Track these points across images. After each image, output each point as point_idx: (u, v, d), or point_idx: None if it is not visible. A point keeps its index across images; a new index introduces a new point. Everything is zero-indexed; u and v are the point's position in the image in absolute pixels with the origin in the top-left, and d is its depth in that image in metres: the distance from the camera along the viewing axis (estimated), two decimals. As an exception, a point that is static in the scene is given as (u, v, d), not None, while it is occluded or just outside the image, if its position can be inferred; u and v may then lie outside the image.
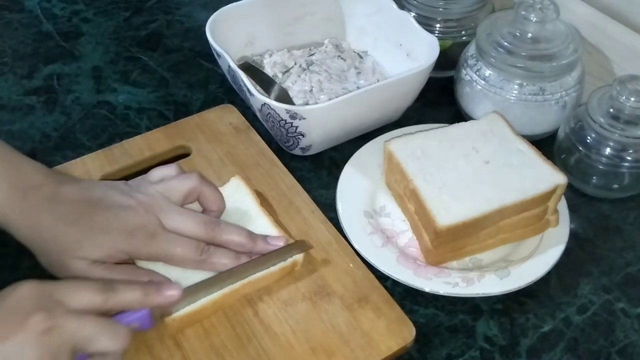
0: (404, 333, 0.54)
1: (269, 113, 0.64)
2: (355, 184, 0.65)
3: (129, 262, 0.54)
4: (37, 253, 0.53)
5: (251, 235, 0.56)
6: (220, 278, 0.53)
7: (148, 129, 0.71)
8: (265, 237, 0.57)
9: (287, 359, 0.52)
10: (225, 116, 0.72)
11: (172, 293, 0.50)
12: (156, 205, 0.54)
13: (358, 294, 0.56)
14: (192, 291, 0.52)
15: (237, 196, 0.61)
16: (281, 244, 0.56)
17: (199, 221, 0.54)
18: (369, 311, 0.55)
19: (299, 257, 0.56)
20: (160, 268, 0.54)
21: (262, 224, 0.59)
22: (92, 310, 0.46)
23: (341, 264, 0.58)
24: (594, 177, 0.66)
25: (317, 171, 0.69)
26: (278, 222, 0.60)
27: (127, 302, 0.48)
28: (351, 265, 0.58)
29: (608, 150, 0.64)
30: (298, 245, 0.57)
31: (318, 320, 0.54)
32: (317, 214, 0.62)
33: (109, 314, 0.48)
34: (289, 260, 0.55)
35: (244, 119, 0.72)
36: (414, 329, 0.54)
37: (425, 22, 0.75)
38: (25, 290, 0.45)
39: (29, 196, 0.52)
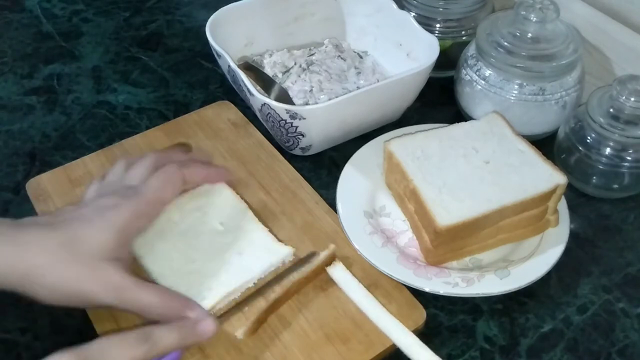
0: (415, 316, 0.55)
1: (269, 113, 0.64)
2: (355, 184, 0.65)
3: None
4: (43, 279, 0.48)
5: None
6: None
7: (148, 129, 0.71)
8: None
9: (303, 347, 0.52)
10: (223, 113, 0.73)
11: (209, 329, 0.49)
12: (118, 185, 0.55)
13: (367, 280, 0.57)
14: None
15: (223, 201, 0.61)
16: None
17: (150, 160, 0.57)
18: (379, 296, 0.55)
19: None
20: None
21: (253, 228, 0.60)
22: None
23: (348, 252, 0.59)
24: (594, 177, 0.66)
25: (317, 171, 0.69)
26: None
27: (167, 349, 0.47)
28: (359, 252, 0.59)
29: (608, 150, 0.64)
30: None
31: (331, 307, 0.55)
32: (321, 204, 0.63)
33: None
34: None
35: (241, 114, 0.72)
36: (424, 312, 0.55)
37: (425, 22, 0.75)
38: None
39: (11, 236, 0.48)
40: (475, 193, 0.57)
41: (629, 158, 0.63)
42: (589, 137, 0.64)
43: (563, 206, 0.62)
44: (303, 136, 0.65)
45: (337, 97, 0.64)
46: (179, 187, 0.57)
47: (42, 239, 0.48)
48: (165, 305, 0.49)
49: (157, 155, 0.58)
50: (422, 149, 0.61)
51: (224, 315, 0.54)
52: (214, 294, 0.54)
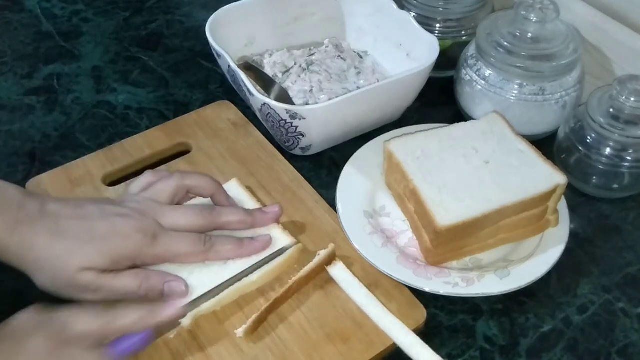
0: (416, 315, 0.55)
1: (269, 113, 0.64)
2: (355, 184, 0.65)
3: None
4: (37, 273, 0.50)
5: (247, 211, 0.58)
6: (222, 287, 0.54)
7: (148, 129, 0.71)
8: (260, 209, 0.59)
9: (304, 346, 0.53)
10: (223, 112, 0.73)
11: (169, 312, 0.50)
12: (150, 209, 0.54)
13: (368, 280, 0.57)
14: (194, 303, 0.53)
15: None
16: (277, 209, 0.58)
17: (194, 211, 0.55)
18: (379, 296, 0.56)
19: (292, 252, 0.57)
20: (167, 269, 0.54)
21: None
22: (91, 335, 0.46)
23: (349, 252, 0.59)
24: (594, 177, 0.66)
25: (317, 171, 0.69)
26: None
27: (128, 326, 0.48)
28: (359, 252, 0.59)
29: (608, 150, 0.64)
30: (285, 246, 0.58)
31: (331, 307, 0.55)
32: (322, 204, 0.63)
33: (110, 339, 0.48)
34: (281, 259, 0.57)
35: (241, 114, 0.72)
36: (425, 311, 0.55)
37: (425, 22, 0.75)
38: (26, 317, 0.45)
39: (16, 215, 0.50)
40: (475, 193, 0.57)
41: (629, 158, 0.63)
42: (589, 137, 0.64)
43: (563, 206, 0.62)
44: (303, 136, 0.65)
45: (337, 97, 0.64)
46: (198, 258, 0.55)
47: (40, 223, 0.50)
48: (143, 286, 0.51)
49: (183, 183, 0.57)
50: (422, 149, 0.61)
51: (223, 314, 0.54)
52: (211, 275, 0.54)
